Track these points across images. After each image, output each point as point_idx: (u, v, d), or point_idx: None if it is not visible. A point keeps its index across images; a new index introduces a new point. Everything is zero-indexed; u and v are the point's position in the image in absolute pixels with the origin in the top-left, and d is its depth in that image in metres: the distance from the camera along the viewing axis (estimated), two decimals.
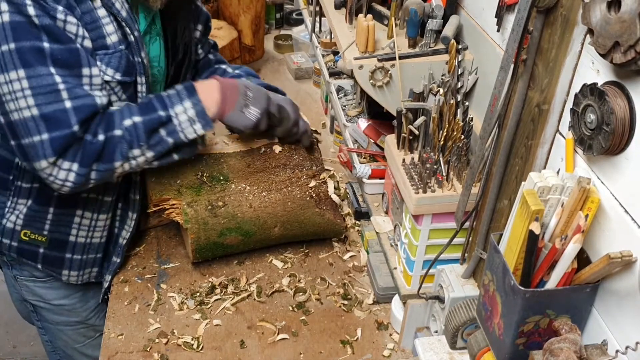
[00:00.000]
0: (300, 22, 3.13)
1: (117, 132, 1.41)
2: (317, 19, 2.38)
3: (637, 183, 0.89)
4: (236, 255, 1.81)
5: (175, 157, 1.52)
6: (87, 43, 1.39)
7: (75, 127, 1.35)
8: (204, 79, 1.70)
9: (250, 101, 1.54)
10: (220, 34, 2.71)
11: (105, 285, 1.74)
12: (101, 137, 1.39)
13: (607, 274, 0.95)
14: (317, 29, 2.40)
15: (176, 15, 1.64)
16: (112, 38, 1.43)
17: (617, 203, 0.93)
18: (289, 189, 1.71)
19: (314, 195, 1.72)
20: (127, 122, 1.42)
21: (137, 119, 1.43)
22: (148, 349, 1.53)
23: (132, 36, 1.46)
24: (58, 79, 1.33)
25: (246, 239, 1.71)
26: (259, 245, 1.78)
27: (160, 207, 1.66)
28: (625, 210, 0.91)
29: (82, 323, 1.84)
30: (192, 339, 1.56)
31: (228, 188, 1.67)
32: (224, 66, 1.90)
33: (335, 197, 1.76)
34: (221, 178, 1.67)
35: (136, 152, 1.44)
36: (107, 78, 1.44)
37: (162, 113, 1.44)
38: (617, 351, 0.91)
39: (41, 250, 1.63)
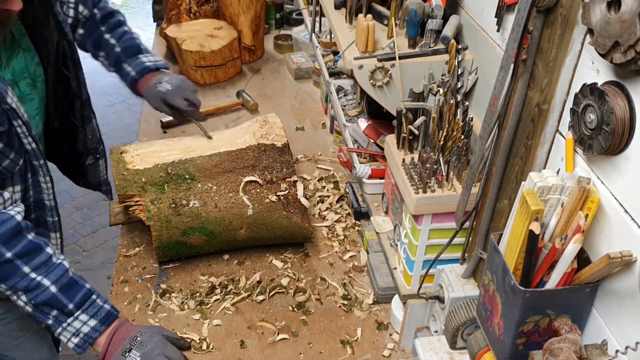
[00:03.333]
0: (300, 22, 3.13)
1: (30, 272, 1.28)
2: (317, 19, 2.38)
3: (637, 183, 0.89)
4: (236, 255, 1.81)
5: (47, 321, 1.33)
6: None
7: None
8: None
9: (134, 344, 1.33)
10: (220, 34, 2.71)
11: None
12: (8, 255, 1.26)
13: (607, 273, 0.95)
14: (317, 29, 2.40)
15: (36, 10, 1.50)
16: None
17: (617, 203, 0.93)
18: (257, 190, 1.71)
19: (282, 198, 1.72)
20: (44, 281, 1.29)
21: (53, 288, 1.29)
22: None
23: None
24: None
25: (211, 240, 1.71)
26: (225, 247, 1.78)
27: (125, 204, 1.67)
28: (625, 210, 0.91)
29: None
30: (199, 340, 1.56)
31: (194, 187, 1.68)
32: (107, 36, 1.81)
33: (304, 201, 1.75)
34: (187, 176, 1.68)
35: (23, 298, 1.29)
36: None
37: (70, 306, 1.30)
38: (617, 351, 0.91)
39: None
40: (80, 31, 1.78)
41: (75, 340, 1.32)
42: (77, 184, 1.88)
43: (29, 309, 1.31)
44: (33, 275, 1.28)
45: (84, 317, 1.31)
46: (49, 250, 1.31)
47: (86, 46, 1.81)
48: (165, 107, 1.77)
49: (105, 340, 1.32)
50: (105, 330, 1.32)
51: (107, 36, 1.80)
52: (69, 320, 1.30)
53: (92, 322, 1.31)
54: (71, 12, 1.73)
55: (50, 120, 1.59)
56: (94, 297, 1.33)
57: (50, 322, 1.31)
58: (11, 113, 1.36)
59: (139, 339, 1.32)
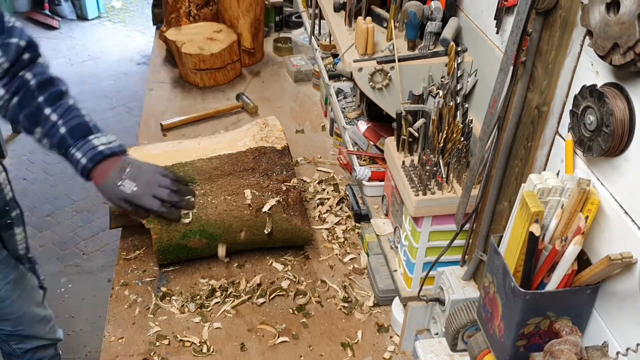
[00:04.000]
0: (300, 24, 3.14)
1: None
2: (317, 21, 2.38)
3: (637, 184, 0.89)
4: (236, 258, 1.81)
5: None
6: None
7: None
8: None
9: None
10: (220, 37, 2.72)
11: None
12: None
13: (608, 275, 0.95)
14: (316, 32, 2.40)
15: None
16: None
17: (617, 204, 0.93)
18: (257, 193, 1.71)
19: (282, 200, 1.72)
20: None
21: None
22: (149, 353, 1.53)
23: None
24: None
25: (211, 243, 1.71)
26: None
27: None
28: (625, 212, 0.91)
29: None
30: (199, 343, 1.56)
31: (194, 189, 1.67)
32: (47, 111, 1.49)
33: None
34: (188, 179, 1.68)
35: None
36: None
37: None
38: (617, 353, 0.91)
39: None
40: (1, 92, 1.47)
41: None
42: None
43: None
44: None
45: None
46: None
47: (17, 117, 1.49)
48: (127, 205, 1.44)
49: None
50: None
51: (47, 111, 1.48)
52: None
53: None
54: None
55: None
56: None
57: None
58: None
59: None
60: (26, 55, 1.48)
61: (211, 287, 1.71)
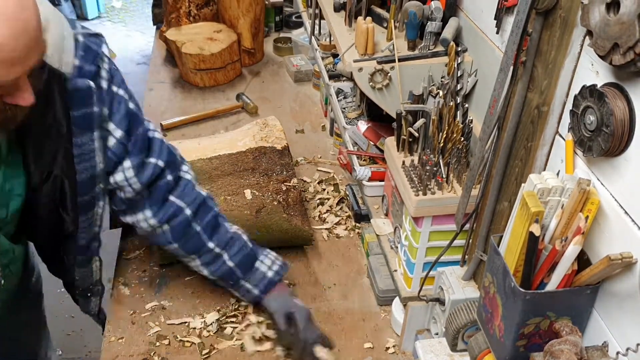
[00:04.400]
0: (300, 24, 3.14)
1: None
2: (317, 21, 2.38)
3: (636, 184, 0.89)
4: None
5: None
6: None
7: None
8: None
9: None
10: (220, 37, 2.72)
11: None
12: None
13: (608, 275, 0.95)
14: (316, 32, 2.40)
15: (42, 133, 1.24)
16: None
17: (617, 204, 0.93)
18: (257, 193, 1.70)
19: (282, 200, 1.72)
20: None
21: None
22: (149, 353, 1.53)
23: None
24: None
25: None
26: None
27: None
28: (625, 212, 0.91)
29: None
30: (199, 343, 1.56)
31: None
32: (217, 250, 1.51)
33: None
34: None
35: None
36: None
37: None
38: (617, 353, 0.91)
39: None
40: (152, 221, 1.47)
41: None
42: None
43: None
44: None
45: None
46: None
47: (168, 243, 1.51)
48: (283, 321, 1.49)
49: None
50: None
51: (210, 245, 1.49)
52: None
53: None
54: (110, 149, 1.35)
55: (37, 236, 1.45)
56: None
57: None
58: None
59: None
60: (168, 177, 1.45)
61: (211, 287, 1.71)
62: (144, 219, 1.47)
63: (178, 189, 1.47)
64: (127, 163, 1.38)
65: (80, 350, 2.79)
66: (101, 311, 1.68)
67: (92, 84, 1.25)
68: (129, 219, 1.50)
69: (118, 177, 1.39)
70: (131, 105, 1.37)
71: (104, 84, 1.29)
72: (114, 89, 1.32)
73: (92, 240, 1.48)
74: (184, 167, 1.51)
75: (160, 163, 1.42)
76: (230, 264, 1.50)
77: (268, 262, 1.54)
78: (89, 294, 1.60)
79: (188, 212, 1.46)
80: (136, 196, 1.43)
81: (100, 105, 1.29)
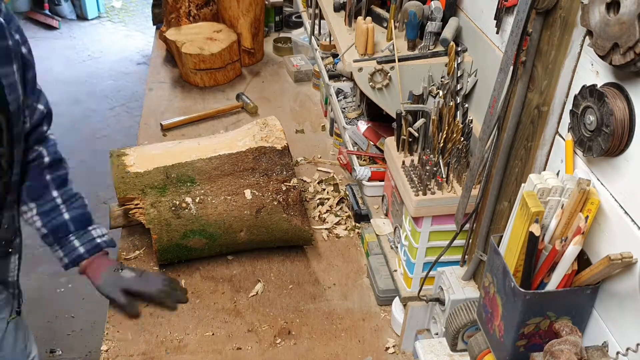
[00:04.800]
0: (300, 24, 3.14)
1: None
2: (317, 21, 2.38)
3: (636, 184, 0.89)
4: (236, 258, 1.81)
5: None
6: None
7: None
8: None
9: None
10: (220, 36, 2.72)
11: None
12: None
13: (608, 275, 0.95)
14: (316, 32, 2.40)
15: None
16: None
17: (617, 204, 0.93)
18: (257, 193, 1.71)
19: (282, 200, 1.72)
20: None
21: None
22: (149, 353, 1.53)
23: None
24: None
25: (211, 242, 1.71)
26: (225, 250, 1.78)
27: (125, 207, 1.67)
28: (625, 212, 0.91)
29: None
30: (199, 343, 1.56)
31: (194, 190, 1.68)
32: (55, 193, 1.56)
33: None
34: (187, 179, 1.68)
35: None
36: None
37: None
38: (617, 352, 0.91)
39: None
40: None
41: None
42: None
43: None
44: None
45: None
46: None
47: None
48: (121, 296, 1.58)
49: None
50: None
51: (54, 193, 1.55)
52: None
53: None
54: (26, 84, 1.43)
55: None
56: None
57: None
58: None
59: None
60: (45, 127, 1.54)
61: (212, 287, 1.71)
62: None
63: (45, 141, 1.56)
64: (28, 100, 1.46)
65: (80, 350, 2.79)
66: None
67: (1, 19, 1.30)
68: None
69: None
70: (24, 50, 1.41)
71: (4, 23, 1.33)
72: (12, 30, 1.37)
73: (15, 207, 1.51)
74: (52, 133, 1.61)
75: (44, 111, 1.52)
76: (67, 216, 1.56)
77: (99, 232, 1.62)
78: (5, 245, 1.54)
79: (46, 160, 1.55)
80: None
81: (11, 39, 1.34)
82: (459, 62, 1.47)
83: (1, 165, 1.40)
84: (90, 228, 1.60)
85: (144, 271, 1.65)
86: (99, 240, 1.60)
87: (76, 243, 1.57)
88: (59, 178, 1.57)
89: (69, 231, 1.56)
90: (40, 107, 1.50)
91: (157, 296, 1.61)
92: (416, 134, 1.47)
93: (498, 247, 1.07)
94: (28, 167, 1.52)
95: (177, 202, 1.66)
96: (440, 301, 1.38)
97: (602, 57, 0.88)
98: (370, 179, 1.77)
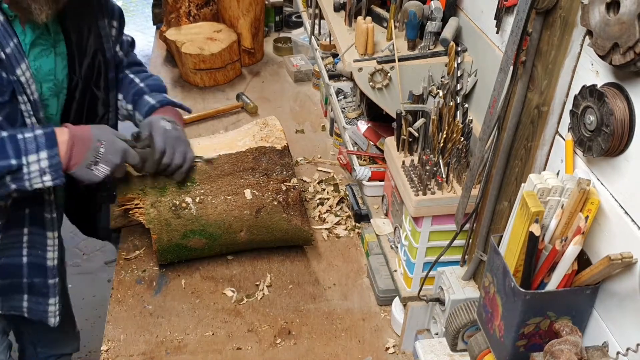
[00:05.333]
0: (300, 24, 3.14)
1: None
2: (317, 21, 2.38)
3: (637, 184, 0.89)
4: (236, 257, 1.81)
5: (12, 187, 1.38)
6: None
7: None
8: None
9: (100, 157, 1.44)
10: (220, 36, 2.72)
11: (53, 318, 1.65)
12: None
13: (608, 275, 0.95)
14: (316, 32, 2.40)
15: (79, 15, 1.51)
16: None
17: (617, 204, 0.93)
18: (257, 193, 1.71)
19: (281, 200, 1.72)
20: None
21: None
22: (149, 353, 1.53)
23: (2, 53, 1.32)
24: None
25: (211, 242, 1.71)
26: (225, 250, 1.78)
27: (125, 207, 1.67)
28: (625, 212, 0.91)
29: None
30: (199, 343, 1.56)
31: (194, 190, 1.68)
32: (132, 75, 1.77)
33: None
34: (187, 179, 1.68)
35: None
36: None
37: (13, 161, 1.32)
38: (617, 353, 0.91)
39: None
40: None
41: (47, 177, 1.37)
42: (84, 232, 1.88)
43: None
44: None
45: (32, 157, 1.34)
46: None
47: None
48: (144, 138, 1.60)
49: (65, 155, 1.38)
50: (60, 149, 1.37)
51: (131, 76, 1.76)
52: (25, 171, 1.34)
53: (43, 154, 1.35)
54: (115, 37, 1.66)
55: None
56: (19, 136, 1.34)
57: (14, 186, 1.36)
58: (17, 86, 1.35)
59: (101, 150, 1.43)
60: (133, 56, 1.80)
61: (211, 287, 1.71)
62: None
63: (136, 69, 1.80)
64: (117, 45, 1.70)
65: (81, 351, 2.78)
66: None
67: None
68: None
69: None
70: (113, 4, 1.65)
71: None
72: None
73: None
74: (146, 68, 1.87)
75: (129, 39, 1.82)
76: (142, 84, 1.73)
77: (175, 100, 1.77)
78: (110, 189, 1.73)
79: (125, 61, 1.78)
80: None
81: None
82: (459, 62, 1.47)
83: (97, 110, 1.58)
84: (165, 95, 1.73)
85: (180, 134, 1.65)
86: (172, 99, 1.73)
87: (150, 100, 1.70)
88: (136, 69, 1.78)
89: (144, 92, 1.72)
90: (125, 38, 1.77)
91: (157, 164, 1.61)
92: (416, 134, 1.47)
93: (498, 247, 1.07)
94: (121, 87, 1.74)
95: (177, 202, 1.66)
96: (440, 301, 1.38)
97: (602, 57, 0.88)
98: (370, 179, 1.77)
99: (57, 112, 1.54)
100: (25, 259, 1.59)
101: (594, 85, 0.93)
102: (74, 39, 1.50)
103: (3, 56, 1.32)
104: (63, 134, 1.40)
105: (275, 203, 1.72)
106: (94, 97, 1.57)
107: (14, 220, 1.53)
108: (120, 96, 1.73)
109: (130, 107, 1.73)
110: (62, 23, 1.48)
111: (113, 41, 1.64)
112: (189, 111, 1.79)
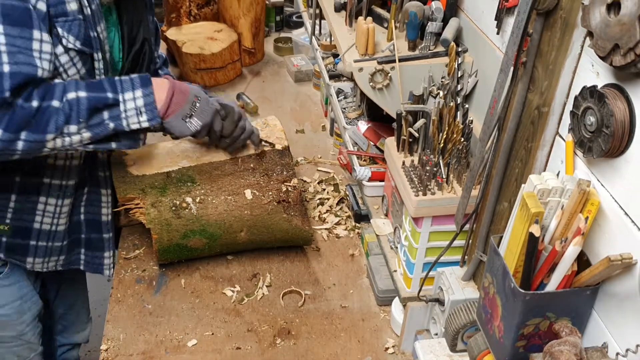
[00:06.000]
0: (300, 24, 3.14)
1: (55, 102, 1.32)
2: (317, 21, 2.38)
3: (637, 185, 0.89)
4: (236, 257, 1.81)
5: (114, 145, 1.44)
6: (41, 6, 1.30)
7: (7, 93, 1.24)
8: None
9: (195, 112, 1.52)
10: (220, 36, 2.72)
11: (107, 270, 1.74)
12: (35, 103, 1.29)
13: (607, 276, 0.95)
14: (317, 32, 2.40)
15: (132, 6, 1.59)
16: (72, 6, 1.35)
17: (617, 205, 0.93)
18: (257, 193, 1.71)
19: (282, 200, 1.72)
20: (71, 95, 1.34)
21: (82, 94, 1.35)
22: (149, 353, 1.53)
23: (88, 8, 1.38)
24: (2, 39, 1.25)
25: (211, 242, 1.71)
26: (225, 250, 1.78)
27: (125, 207, 1.67)
28: (625, 213, 0.91)
29: (18, 339, 1.73)
30: (198, 342, 1.56)
31: (194, 190, 1.68)
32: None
33: None
34: (187, 179, 1.68)
35: (72, 128, 1.34)
36: (68, 45, 1.37)
37: (109, 95, 1.38)
38: (617, 354, 0.91)
39: (4, 239, 1.56)
40: None
41: (144, 117, 1.42)
42: None
43: (86, 134, 1.37)
44: (60, 101, 1.33)
45: (128, 95, 1.40)
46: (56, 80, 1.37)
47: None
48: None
49: (165, 101, 1.46)
50: (154, 90, 1.43)
51: (161, 73, 1.83)
52: (122, 108, 1.39)
53: (138, 93, 1.41)
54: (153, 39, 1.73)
55: None
56: (116, 78, 1.42)
57: (112, 125, 1.39)
58: (96, 42, 1.42)
59: (198, 105, 1.51)
60: (164, 70, 1.84)
61: (211, 287, 1.71)
62: None
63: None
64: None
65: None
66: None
67: None
68: None
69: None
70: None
71: None
72: None
73: None
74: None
75: (163, 56, 1.89)
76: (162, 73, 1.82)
77: None
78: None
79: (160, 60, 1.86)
80: None
81: None
82: (459, 62, 1.47)
83: None
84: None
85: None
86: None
87: (161, 72, 1.81)
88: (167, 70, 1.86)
89: (159, 67, 1.82)
90: (162, 54, 1.86)
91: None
92: (416, 135, 1.47)
93: (498, 247, 1.07)
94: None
95: (178, 202, 1.66)
96: (440, 302, 1.38)
97: (603, 58, 0.88)
98: (370, 179, 1.77)
99: None
100: (82, 217, 1.66)
101: (594, 86, 0.93)
102: (127, 27, 1.57)
103: (89, 11, 1.39)
104: (164, 83, 1.48)
105: (276, 203, 1.72)
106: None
107: (80, 180, 1.61)
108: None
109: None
110: (118, 11, 1.56)
111: (154, 42, 1.73)
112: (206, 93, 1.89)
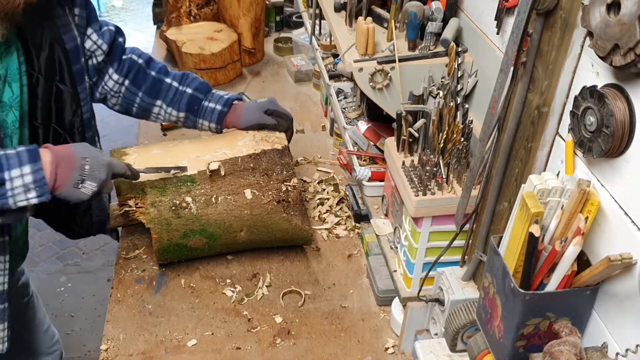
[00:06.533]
0: (300, 24, 3.14)
1: None
2: (317, 21, 2.38)
3: (637, 185, 0.89)
4: (236, 257, 1.81)
5: None
6: None
7: None
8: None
9: (86, 175, 1.37)
10: (220, 36, 2.72)
11: (1, 345, 1.49)
12: None
13: (607, 276, 0.95)
14: (317, 32, 2.40)
15: (34, 11, 1.39)
16: None
17: (617, 205, 0.93)
18: (257, 192, 1.71)
19: (282, 200, 1.72)
20: None
21: None
22: (149, 353, 1.53)
23: None
24: None
25: (211, 242, 1.71)
26: (225, 250, 1.78)
27: (125, 207, 1.67)
28: (625, 213, 0.91)
29: None
30: (198, 342, 1.56)
31: (194, 189, 1.68)
32: (168, 80, 1.76)
33: None
34: (187, 179, 1.68)
35: None
36: None
37: None
38: (617, 354, 0.91)
39: None
40: (115, 77, 1.69)
41: (32, 194, 1.29)
42: (70, 236, 1.81)
43: None
44: None
45: (15, 172, 1.27)
46: None
47: (134, 99, 1.74)
48: (265, 117, 1.78)
49: (50, 177, 1.32)
50: (44, 170, 1.30)
51: (167, 80, 1.76)
52: (8, 187, 1.26)
53: (26, 169, 1.28)
54: (79, 25, 1.55)
55: (39, 139, 1.48)
56: (0, 152, 1.28)
57: None
58: None
59: (87, 167, 1.38)
60: (120, 39, 1.71)
61: (211, 287, 1.71)
62: (109, 77, 1.70)
63: (128, 49, 1.75)
64: (89, 31, 1.60)
65: (80, 350, 2.79)
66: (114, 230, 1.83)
67: None
68: (99, 89, 1.72)
69: (88, 44, 1.61)
70: None
71: None
72: None
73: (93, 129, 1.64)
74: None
75: (112, 28, 1.69)
76: (189, 90, 1.76)
77: (221, 92, 1.82)
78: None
79: (140, 61, 1.74)
80: (104, 59, 1.66)
81: None
82: (459, 62, 1.47)
83: (66, 106, 1.51)
84: (213, 91, 1.80)
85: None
86: (226, 96, 1.79)
87: (211, 105, 1.77)
88: (161, 69, 1.77)
89: (199, 99, 1.76)
90: (105, 27, 1.67)
91: (285, 115, 1.81)
92: (416, 135, 1.47)
93: (498, 247, 1.07)
94: (134, 77, 1.73)
95: (178, 202, 1.66)
96: (440, 302, 1.38)
97: (603, 58, 0.88)
98: (370, 179, 1.77)
99: (24, 115, 1.45)
100: None
101: (594, 86, 0.93)
102: (29, 34, 1.41)
103: None
104: (45, 154, 1.33)
105: (276, 203, 1.72)
106: (60, 93, 1.48)
107: None
108: (162, 103, 1.76)
109: (182, 115, 1.78)
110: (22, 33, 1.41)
111: (80, 31, 1.55)
112: (240, 99, 1.85)
